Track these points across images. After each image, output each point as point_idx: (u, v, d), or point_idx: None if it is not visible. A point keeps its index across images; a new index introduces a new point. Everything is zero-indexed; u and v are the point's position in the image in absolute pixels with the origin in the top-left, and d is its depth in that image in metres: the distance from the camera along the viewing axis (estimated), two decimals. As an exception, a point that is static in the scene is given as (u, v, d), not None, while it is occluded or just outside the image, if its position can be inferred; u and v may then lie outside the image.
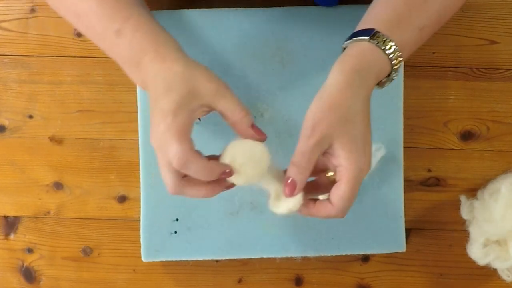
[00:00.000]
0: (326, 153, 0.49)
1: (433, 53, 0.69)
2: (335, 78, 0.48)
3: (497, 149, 0.70)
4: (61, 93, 0.70)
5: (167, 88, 0.48)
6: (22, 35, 0.70)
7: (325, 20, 0.65)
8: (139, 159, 0.66)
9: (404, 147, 0.66)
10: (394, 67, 0.50)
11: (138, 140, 0.66)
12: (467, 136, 0.70)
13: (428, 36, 0.53)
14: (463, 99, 0.69)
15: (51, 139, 0.70)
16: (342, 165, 0.48)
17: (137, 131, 0.67)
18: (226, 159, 0.50)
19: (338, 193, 0.48)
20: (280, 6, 0.66)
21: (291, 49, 0.65)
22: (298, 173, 0.48)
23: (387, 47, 0.48)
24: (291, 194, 0.48)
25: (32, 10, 0.70)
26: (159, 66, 0.49)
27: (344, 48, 0.52)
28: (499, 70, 0.69)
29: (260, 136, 0.50)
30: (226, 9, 0.66)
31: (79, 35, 0.69)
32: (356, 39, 0.49)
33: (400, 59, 0.49)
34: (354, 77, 0.47)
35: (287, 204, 0.50)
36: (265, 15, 0.65)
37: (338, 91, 0.47)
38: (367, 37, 0.48)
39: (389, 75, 0.51)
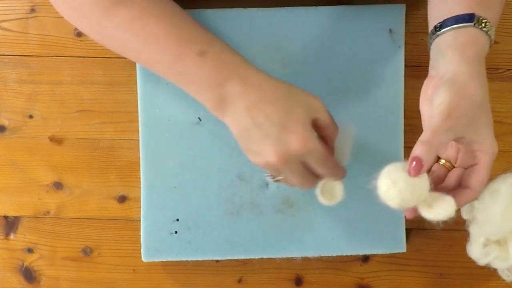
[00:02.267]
0: (458, 141, 0.50)
1: (433, 53, 0.69)
2: (462, 69, 0.49)
3: (497, 149, 0.69)
4: (61, 93, 0.70)
5: (289, 109, 0.51)
6: (22, 35, 0.70)
7: (325, 20, 0.65)
8: (139, 159, 0.66)
9: (404, 147, 0.66)
10: (490, 46, 0.52)
11: (138, 140, 0.66)
12: (467, 136, 0.69)
13: (502, 9, 0.55)
14: (463, 99, 0.69)
15: (51, 139, 0.70)
16: (479, 151, 0.50)
17: (137, 131, 0.67)
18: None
19: (478, 178, 0.51)
20: (280, 6, 0.66)
21: (291, 49, 0.65)
22: (426, 151, 0.48)
23: (486, 28, 0.50)
24: (417, 173, 0.48)
25: (32, 10, 0.70)
26: (260, 86, 0.52)
27: (438, 34, 0.52)
28: (499, 70, 0.69)
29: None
30: (226, 9, 0.66)
31: (79, 35, 0.69)
32: (462, 26, 0.50)
33: (494, 37, 0.51)
34: (478, 66, 0.50)
35: (444, 211, 0.51)
36: (266, 15, 0.65)
37: (469, 80, 0.49)
38: (472, 23, 0.50)
39: None
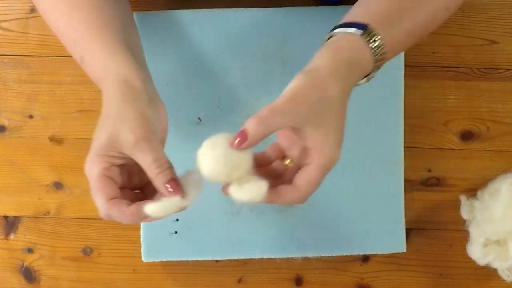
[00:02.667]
0: (297, 134, 0.48)
1: (433, 53, 0.69)
2: (326, 64, 0.48)
3: (497, 149, 0.70)
4: (61, 93, 0.70)
5: (98, 129, 0.49)
6: (22, 35, 0.70)
7: (325, 20, 0.65)
8: (139, 159, 0.66)
9: (404, 147, 0.66)
10: (376, 67, 0.50)
11: (138, 140, 0.66)
12: (467, 136, 0.70)
13: (411, 44, 0.54)
14: (463, 99, 0.69)
15: (51, 139, 0.70)
16: (314, 149, 0.46)
17: (137, 131, 0.66)
18: None
19: (306, 177, 0.47)
20: (280, 6, 0.66)
21: (291, 49, 0.65)
22: (256, 127, 0.45)
23: (375, 45, 0.49)
24: (238, 146, 0.45)
25: (32, 10, 0.70)
26: (105, 101, 0.49)
27: (330, 34, 0.52)
28: (499, 70, 0.69)
29: (173, 194, 0.48)
30: (227, 9, 0.66)
31: (79, 35, 0.69)
32: (349, 32, 0.49)
33: (383, 59, 0.50)
34: (343, 68, 0.48)
35: (250, 192, 0.47)
36: (266, 15, 0.65)
37: (327, 75, 0.47)
38: (360, 32, 0.49)
39: (368, 74, 0.51)
